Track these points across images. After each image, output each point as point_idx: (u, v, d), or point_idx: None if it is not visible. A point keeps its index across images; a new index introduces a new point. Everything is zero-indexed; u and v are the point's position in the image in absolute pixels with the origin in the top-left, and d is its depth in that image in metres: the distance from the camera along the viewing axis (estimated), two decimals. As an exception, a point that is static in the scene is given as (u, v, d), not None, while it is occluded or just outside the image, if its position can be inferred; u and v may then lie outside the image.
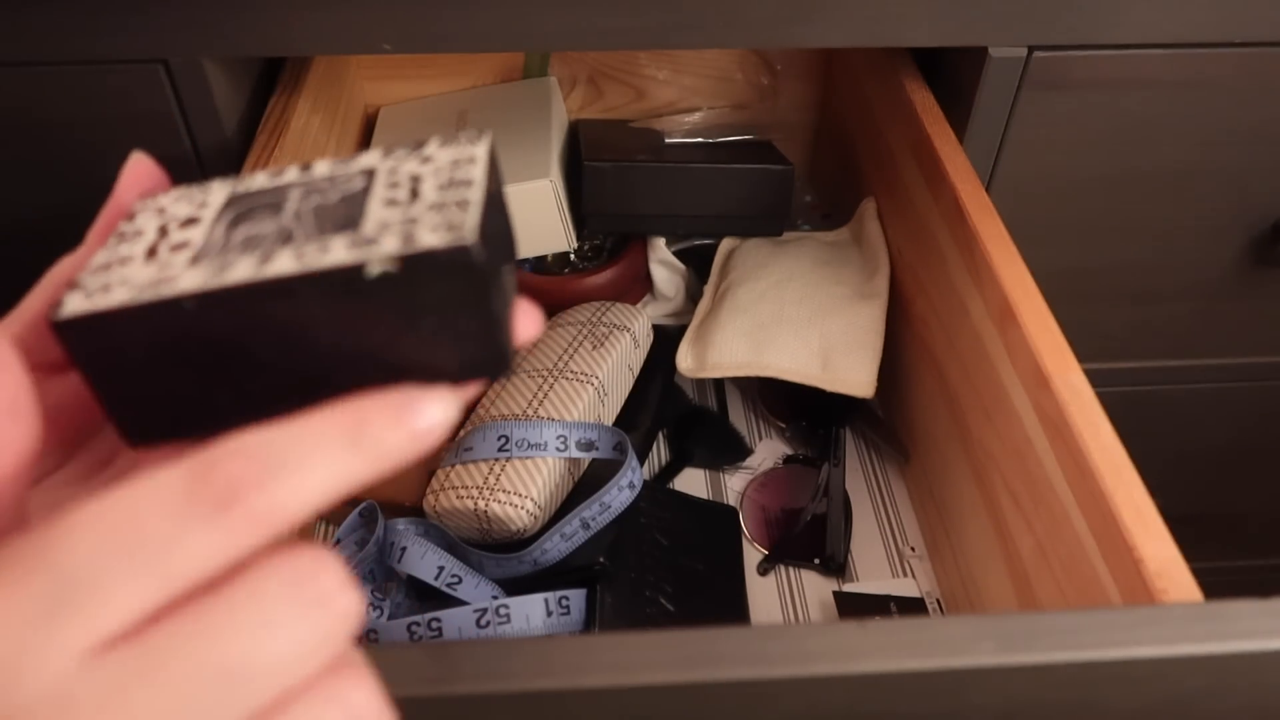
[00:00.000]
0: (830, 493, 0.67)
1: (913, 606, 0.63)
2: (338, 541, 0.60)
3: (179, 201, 0.31)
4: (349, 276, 0.25)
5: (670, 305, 0.80)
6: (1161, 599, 0.38)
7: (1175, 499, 0.60)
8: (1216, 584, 0.42)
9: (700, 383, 0.78)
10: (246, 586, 0.22)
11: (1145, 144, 0.68)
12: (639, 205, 0.76)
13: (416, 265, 0.25)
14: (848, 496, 0.68)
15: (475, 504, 0.60)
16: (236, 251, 0.27)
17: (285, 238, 0.27)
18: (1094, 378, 0.47)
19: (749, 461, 0.72)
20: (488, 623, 0.55)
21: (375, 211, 0.27)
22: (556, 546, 0.59)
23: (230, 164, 0.63)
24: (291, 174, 0.31)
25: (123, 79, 0.61)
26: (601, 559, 0.59)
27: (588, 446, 0.63)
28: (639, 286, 0.81)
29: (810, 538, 0.66)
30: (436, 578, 0.57)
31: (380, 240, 0.25)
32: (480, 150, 0.29)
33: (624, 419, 0.70)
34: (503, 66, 0.88)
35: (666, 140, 0.87)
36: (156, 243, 0.28)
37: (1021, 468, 0.51)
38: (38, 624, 0.20)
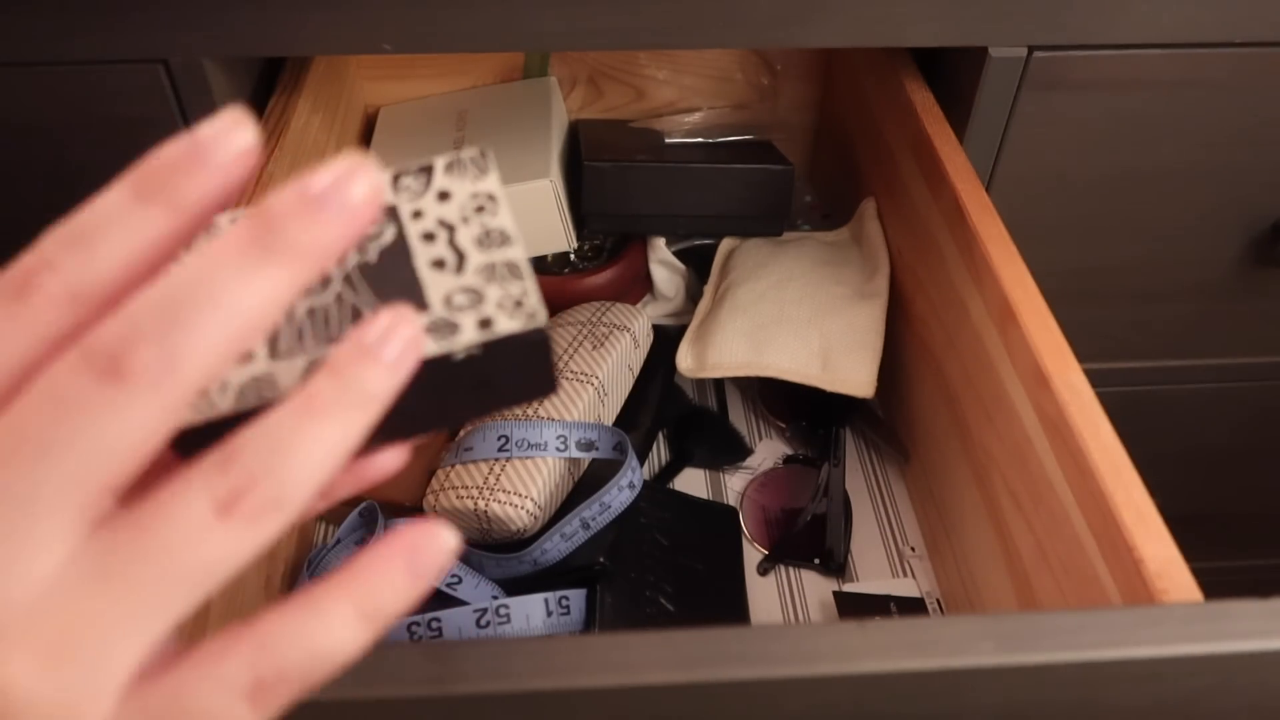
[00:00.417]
0: (830, 493, 0.67)
1: (913, 606, 0.63)
2: (338, 541, 0.60)
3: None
4: (439, 364, 0.28)
5: (670, 305, 0.80)
6: (1161, 599, 0.38)
7: (1175, 499, 0.59)
8: (1216, 584, 0.42)
9: (700, 383, 0.78)
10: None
11: (1145, 144, 0.68)
12: (639, 205, 0.76)
13: (496, 346, 0.28)
14: (848, 496, 0.68)
15: (475, 504, 0.60)
16: (310, 334, 0.28)
17: (355, 316, 0.28)
18: (1094, 378, 0.47)
19: (749, 461, 0.72)
20: (488, 623, 0.55)
21: (429, 279, 0.29)
22: (556, 546, 0.59)
23: (230, 164, 0.63)
24: None
25: (123, 79, 0.61)
26: (601, 559, 0.59)
27: (588, 446, 0.63)
28: (639, 286, 0.81)
29: (810, 538, 0.66)
30: (436, 578, 0.57)
31: (459, 324, 0.28)
32: (493, 184, 0.31)
33: (624, 419, 0.70)
34: (503, 66, 0.88)
35: (666, 140, 0.87)
36: None
37: (1021, 468, 0.51)
38: None
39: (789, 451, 0.73)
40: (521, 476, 0.61)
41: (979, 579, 0.58)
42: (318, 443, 0.24)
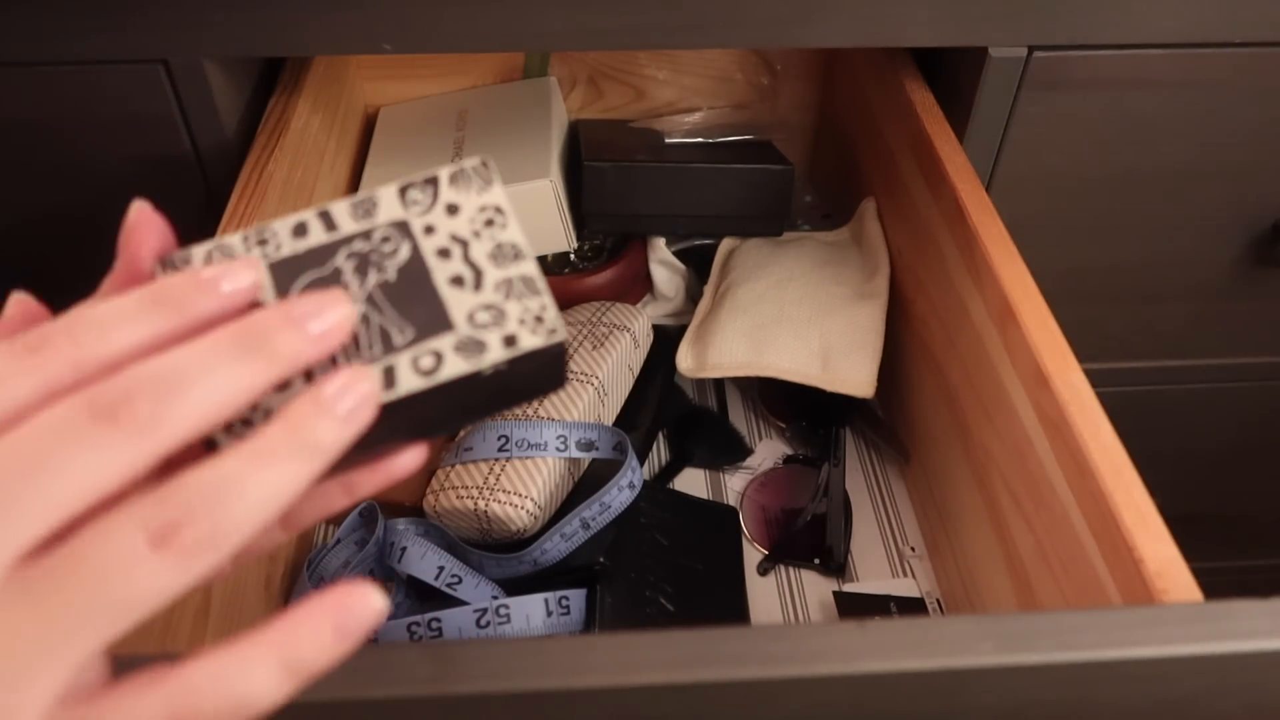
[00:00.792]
0: (830, 493, 0.67)
1: (913, 606, 0.63)
2: (338, 541, 0.60)
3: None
4: (468, 380, 0.30)
5: (670, 305, 0.80)
6: (1161, 599, 0.38)
7: (1175, 499, 0.59)
8: (1216, 584, 0.42)
9: (700, 383, 0.78)
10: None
11: (1145, 144, 0.68)
12: (639, 205, 0.76)
13: (520, 360, 0.30)
14: (848, 496, 0.68)
15: (475, 504, 0.60)
16: (343, 357, 0.30)
17: (384, 338, 0.30)
18: (1094, 378, 0.47)
19: (749, 461, 0.72)
20: (488, 623, 0.55)
21: (450, 297, 0.31)
22: (556, 546, 0.59)
23: (230, 164, 0.63)
24: (316, 229, 0.32)
25: (123, 79, 0.61)
26: (601, 559, 0.59)
27: (588, 446, 0.63)
28: (639, 286, 0.81)
29: (810, 538, 0.66)
30: (436, 578, 0.57)
31: (486, 342, 0.30)
32: (499, 196, 0.33)
33: (624, 419, 0.70)
34: (503, 66, 0.88)
35: (666, 140, 0.87)
36: None
37: (1021, 468, 0.51)
38: None
39: (789, 451, 0.73)
40: (521, 476, 0.61)
41: (979, 579, 0.58)
42: (261, 486, 0.25)
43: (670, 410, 0.74)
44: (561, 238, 0.74)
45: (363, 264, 0.31)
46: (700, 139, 0.88)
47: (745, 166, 0.76)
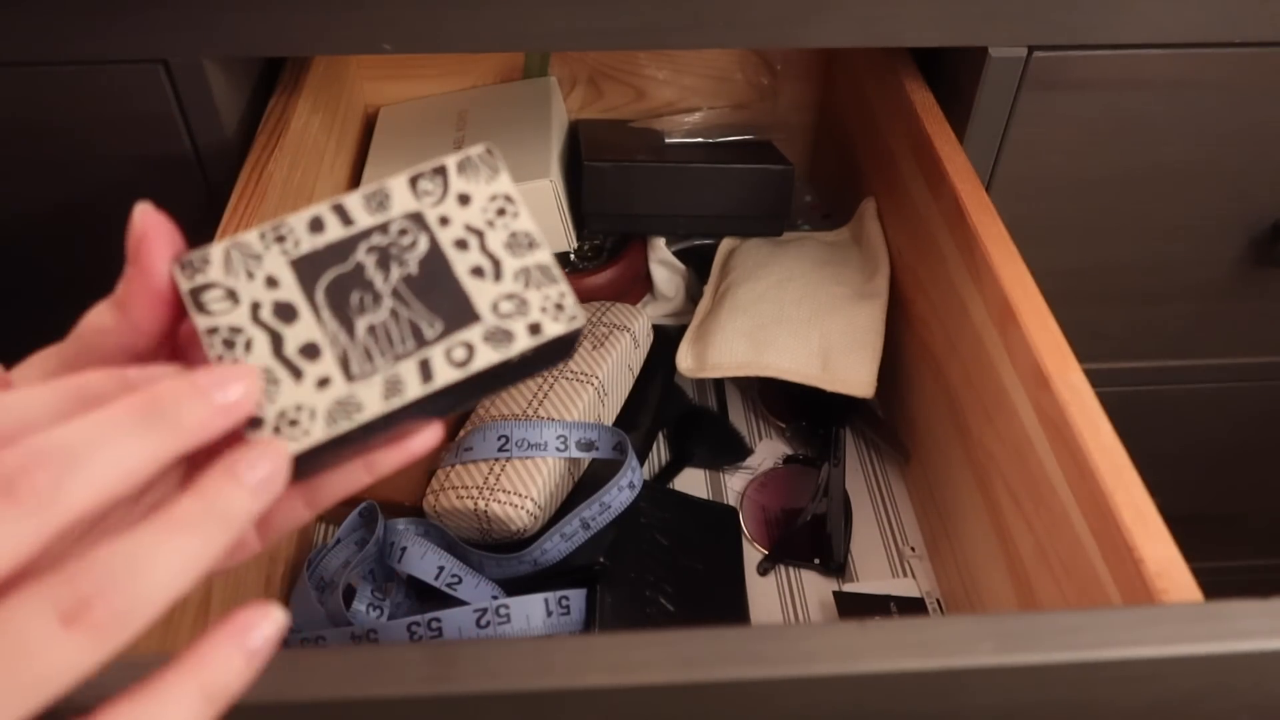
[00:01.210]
0: (830, 493, 0.67)
1: (913, 606, 0.63)
2: (338, 541, 0.60)
3: (230, 274, 0.31)
4: (498, 369, 0.31)
5: (670, 305, 0.80)
6: (1161, 599, 0.38)
7: (1175, 499, 0.59)
8: (1216, 584, 0.42)
9: (700, 383, 0.78)
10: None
11: (1145, 144, 0.68)
12: (639, 205, 0.76)
13: (544, 346, 0.31)
14: (848, 496, 0.68)
15: (475, 504, 0.60)
16: (379, 354, 0.31)
17: (415, 332, 0.31)
18: (1094, 378, 0.47)
19: (749, 461, 0.72)
20: (488, 623, 0.55)
21: (472, 288, 0.32)
22: (556, 546, 0.59)
23: (230, 164, 0.63)
24: (333, 224, 0.32)
25: (123, 79, 0.61)
26: (601, 559, 0.59)
27: (588, 446, 0.63)
28: (639, 286, 0.81)
29: (810, 538, 0.66)
30: (436, 578, 0.57)
31: (513, 332, 0.31)
32: (507, 184, 0.33)
33: (624, 419, 0.70)
34: (503, 66, 0.88)
35: (666, 140, 0.87)
36: (278, 348, 0.30)
37: (1021, 468, 0.51)
38: None
39: (789, 451, 0.73)
40: (521, 476, 0.61)
41: (979, 579, 0.58)
42: (174, 556, 0.25)
43: (670, 410, 0.74)
44: (561, 238, 0.74)
45: (384, 258, 0.32)
46: (700, 139, 0.88)
47: (745, 166, 0.76)
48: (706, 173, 0.76)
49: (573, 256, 0.81)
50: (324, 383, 0.30)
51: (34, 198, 0.67)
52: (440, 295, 0.31)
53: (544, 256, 0.32)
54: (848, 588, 0.64)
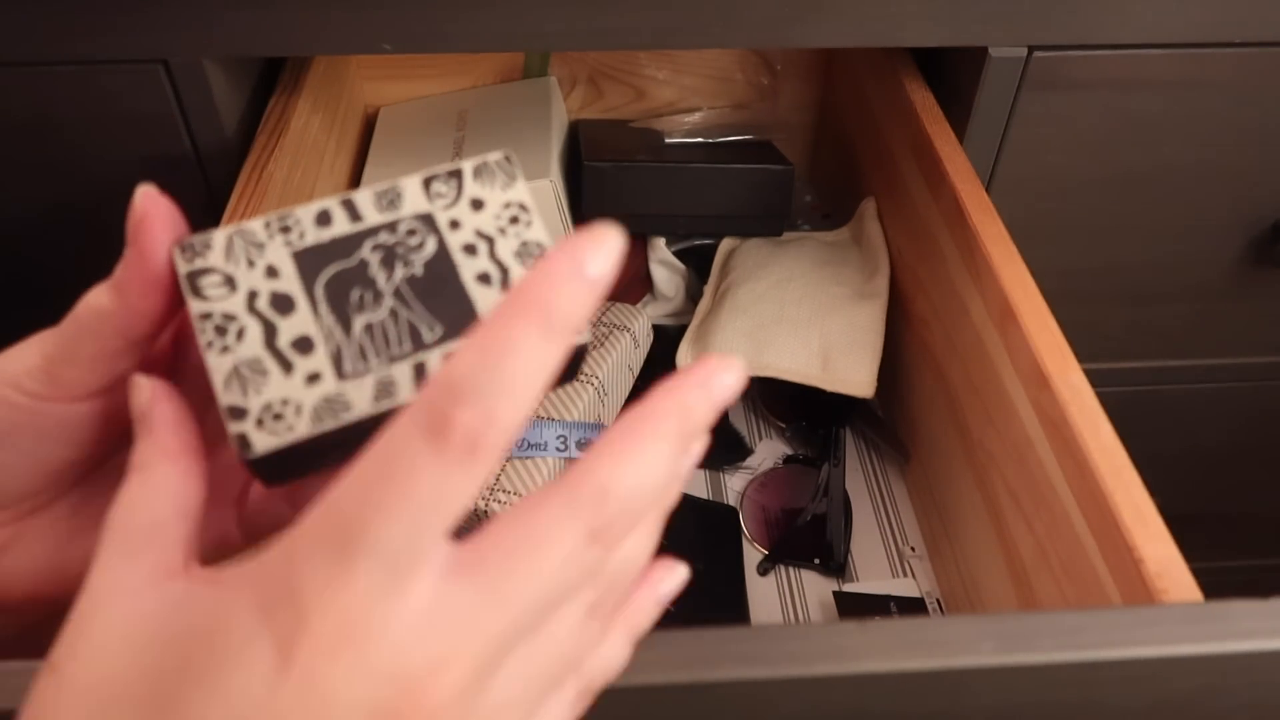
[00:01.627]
0: (830, 493, 0.67)
1: (913, 606, 0.63)
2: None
3: (231, 261, 0.31)
4: None
5: (670, 305, 0.80)
6: (1161, 599, 0.38)
7: (1175, 499, 0.59)
8: (1216, 584, 0.42)
9: (700, 383, 0.78)
10: (540, 536, 0.25)
11: (1145, 144, 0.68)
12: (639, 205, 0.76)
13: None
14: (848, 496, 0.68)
15: (475, 504, 0.60)
16: (373, 352, 0.30)
17: (413, 334, 0.30)
18: (1094, 378, 0.47)
19: (749, 461, 0.72)
20: (488, 623, 0.54)
21: (477, 294, 0.31)
22: (556, 546, 0.59)
23: (230, 164, 0.63)
24: (340, 219, 0.31)
25: (123, 79, 0.61)
26: (601, 559, 0.59)
27: (588, 447, 0.63)
28: (639, 286, 0.80)
29: (810, 538, 0.66)
30: (436, 578, 0.57)
31: None
32: (522, 192, 0.32)
33: (624, 419, 0.70)
34: (503, 66, 0.88)
35: (666, 140, 0.87)
36: (271, 339, 0.30)
37: (1021, 468, 0.51)
38: (381, 597, 0.23)
39: (789, 451, 0.73)
40: (521, 476, 0.61)
41: (979, 579, 0.58)
42: (532, 363, 0.25)
43: (670, 410, 0.74)
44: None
45: (389, 257, 0.31)
46: (700, 139, 0.88)
47: (745, 166, 0.76)
48: (706, 173, 0.76)
49: (573, 256, 0.80)
50: (314, 378, 0.29)
51: (34, 198, 0.67)
52: (443, 299, 0.31)
53: None
54: (848, 588, 0.64)
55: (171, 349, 0.34)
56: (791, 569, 0.65)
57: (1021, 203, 0.70)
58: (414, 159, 0.79)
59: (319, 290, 0.31)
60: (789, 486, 0.70)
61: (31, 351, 0.31)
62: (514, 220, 0.32)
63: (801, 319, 0.69)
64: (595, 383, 0.66)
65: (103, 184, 0.66)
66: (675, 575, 0.31)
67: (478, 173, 0.33)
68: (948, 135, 0.63)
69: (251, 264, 0.31)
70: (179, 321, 0.33)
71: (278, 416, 0.29)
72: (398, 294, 0.31)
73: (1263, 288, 0.78)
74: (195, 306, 0.30)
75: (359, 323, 0.30)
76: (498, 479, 0.61)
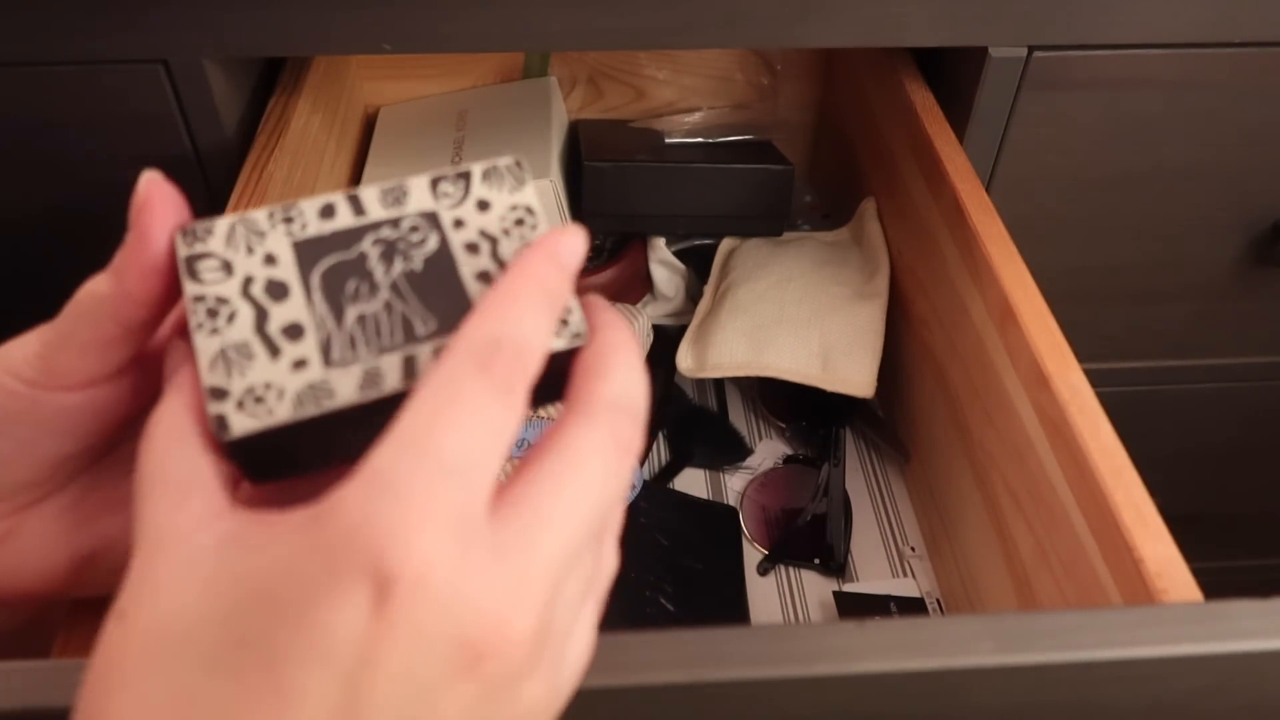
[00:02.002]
0: (830, 493, 0.67)
1: (913, 606, 0.63)
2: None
3: (231, 247, 0.31)
4: None
5: (670, 305, 0.80)
6: (1161, 599, 0.38)
7: (1175, 499, 0.59)
8: (1216, 584, 0.42)
9: (700, 383, 0.78)
10: (575, 454, 0.27)
11: (1145, 144, 0.68)
12: (639, 205, 0.76)
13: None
14: (848, 496, 0.68)
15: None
16: (363, 342, 0.30)
17: (406, 327, 0.30)
18: (1094, 378, 0.47)
19: (749, 461, 0.72)
20: (488, 623, 0.54)
21: (475, 292, 0.31)
22: (556, 546, 0.59)
23: (230, 164, 0.63)
24: (344, 212, 0.31)
25: (123, 79, 0.61)
26: (601, 559, 0.59)
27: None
28: (639, 286, 0.81)
29: (810, 538, 0.66)
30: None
31: None
32: (530, 196, 0.32)
33: (624, 419, 0.70)
34: (503, 66, 0.88)
35: (666, 140, 0.87)
36: (261, 324, 0.30)
37: (1021, 468, 0.51)
38: (462, 530, 0.24)
39: (789, 451, 0.73)
40: (521, 476, 0.61)
41: (979, 579, 0.58)
42: (540, 319, 0.29)
43: (670, 410, 0.74)
44: (561, 238, 0.74)
45: (389, 251, 0.31)
46: (700, 139, 0.88)
47: (745, 166, 0.76)
48: (706, 173, 0.76)
49: (573, 256, 0.80)
50: (300, 364, 0.29)
51: (34, 198, 0.67)
52: (440, 295, 0.30)
53: None
54: (848, 588, 0.64)
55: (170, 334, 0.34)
56: (791, 569, 0.65)
57: (1021, 203, 0.70)
58: (414, 159, 0.79)
59: (315, 279, 0.30)
60: (789, 486, 0.70)
61: (31, 340, 0.31)
62: (519, 222, 0.32)
63: (801, 319, 0.69)
64: (595, 383, 0.66)
65: (103, 184, 0.66)
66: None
67: (486, 175, 0.32)
68: (948, 135, 0.63)
69: (251, 251, 0.31)
70: (183, 316, 0.33)
71: (259, 400, 0.28)
72: (394, 287, 0.30)
73: (1263, 288, 0.78)
74: (190, 289, 0.30)
75: (352, 313, 0.30)
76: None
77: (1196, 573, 0.39)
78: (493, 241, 0.31)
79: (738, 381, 0.78)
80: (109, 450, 0.34)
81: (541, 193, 0.72)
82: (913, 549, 0.67)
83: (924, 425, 0.67)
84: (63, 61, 0.60)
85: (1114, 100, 0.66)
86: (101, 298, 0.30)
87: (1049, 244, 0.73)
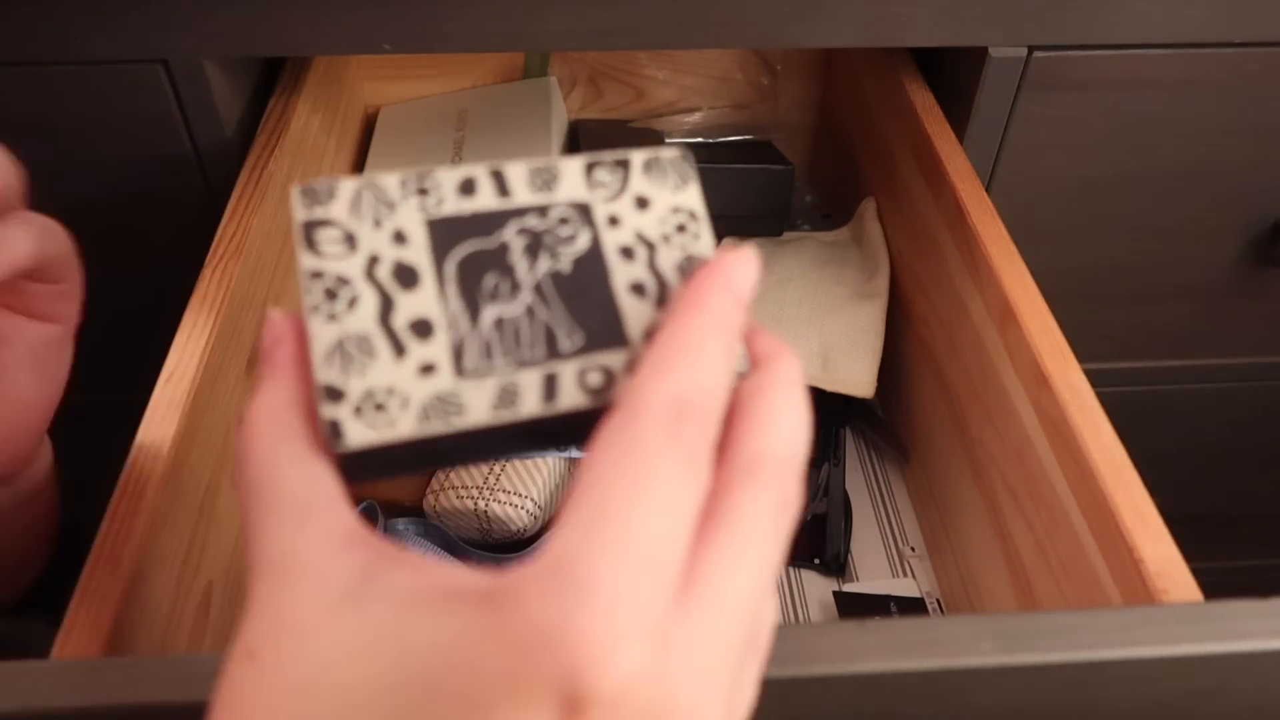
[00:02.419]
0: (830, 493, 0.67)
1: (913, 606, 0.63)
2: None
3: (355, 216, 0.27)
4: None
5: (670, 305, 0.80)
6: (1161, 599, 0.38)
7: (1175, 499, 0.59)
8: (1216, 584, 0.42)
9: (700, 383, 0.78)
10: (749, 524, 0.24)
11: (1145, 144, 0.68)
12: (639, 205, 0.75)
13: None
14: (848, 496, 0.68)
15: (475, 504, 0.60)
16: (500, 351, 0.26)
17: (549, 338, 0.26)
18: (1094, 378, 0.47)
19: (749, 461, 0.72)
20: (488, 623, 0.54)
21: (627, 305, 0.27)
22: (556, 546, 0.59)
23: (230, 164, 0.63)
24: (486, 191, 0.28)
25: (123, 79, 0.61)
26: (601, 559, 0.59)
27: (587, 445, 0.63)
28: (639, 286, 0.80)
29: (810, 538, 0.66)
30: (436, 578, 0.57)
31: None
32: (695, 198, 0.29)
33: (624, 419, 0.70)
34: (503, 66, 0.88)
35: (666, 140, 0.87)
36: (386, 316, 0.26)
37: (1021, 468, 0.51)
38: (649, 635, 0.21)
39: (789, 451, 0.73)
40: (521, 476, 0.61)
41: (979, 579, 0.58)
42: (722, 357, 0.26)
43: (670, 410, 0.74)
44: (561, 238, 0.74)
45: (534, 244, 0.27)
46: (700, 139, 0.88)
47: (745, 166, 0.76)
48: (706, 173, 0.75)
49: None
50: (428, 369, 0.25)
51: (34, 197, 0.67)
52: (588, 305, 0.26)
53: None
54: (848, 588, 0.64)
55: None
56: (791, 569, 0.65)
57: (1021, 203, 0.70)
58: (414, 159, 0.79)
59: (450, 268, 0.27)
60: (789, 486, 0.70)
61: None
62: (680, 228, 0.28)
63: (801, 319, 0.69)
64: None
65: (103, 184, 0.66)
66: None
67: (648, 167, 0.29)
68: (948, 135, 0.63)
69: (378, 224, 0.27)
70: None
71: (379, 407, 0.25)
72: (538, 289, 0.27)
73: (1263, 288, 0.78)
74: (306, 262, 0.26)
75: (489, 314, 0.26)
76: (498, 479, 0.61)
77: (1196, 573, 0.39)
78: (650, 248, 0.28)
79: (738, 381, 0.78)
80: None
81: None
82: (913, 549, 0.67)
83: (924, 425, 0.67)
84: (63, 61, 0.60)
85: (1114, 100, 0.66)
86: None
87: (1049, 244, 0.73)
